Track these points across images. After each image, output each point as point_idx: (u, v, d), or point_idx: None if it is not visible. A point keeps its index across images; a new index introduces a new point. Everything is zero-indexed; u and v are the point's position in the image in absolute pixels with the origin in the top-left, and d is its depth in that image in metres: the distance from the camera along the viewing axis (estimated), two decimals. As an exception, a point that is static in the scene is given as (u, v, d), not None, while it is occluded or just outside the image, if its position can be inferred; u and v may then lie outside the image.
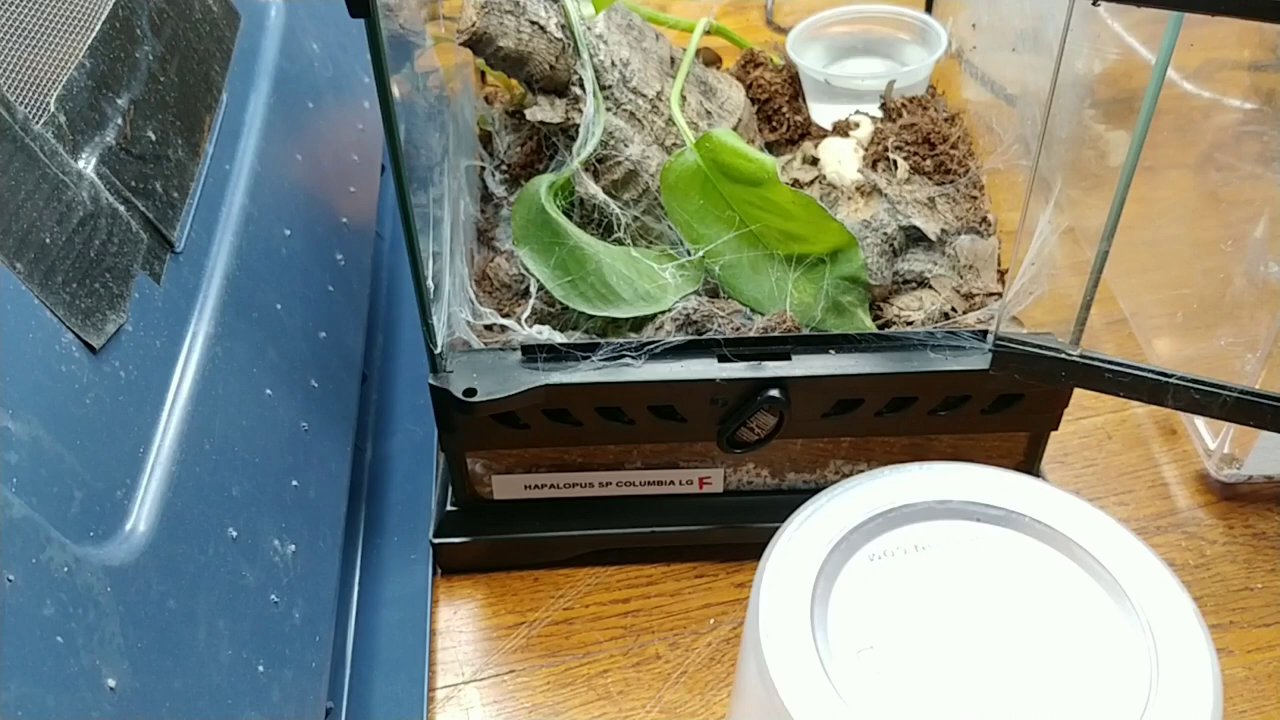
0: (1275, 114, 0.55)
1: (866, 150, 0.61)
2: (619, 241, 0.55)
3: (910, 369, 0.51)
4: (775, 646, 0.36)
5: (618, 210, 0.55)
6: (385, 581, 0.56)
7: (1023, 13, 0.59)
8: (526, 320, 0.53)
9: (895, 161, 0.60)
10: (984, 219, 0.58)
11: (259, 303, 0.49)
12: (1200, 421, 0.62)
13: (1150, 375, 0.47)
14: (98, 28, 0.43)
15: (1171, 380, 0.47)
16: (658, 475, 0.56)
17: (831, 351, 0.51)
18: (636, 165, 0.56)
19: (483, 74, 0.66)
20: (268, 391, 0.48)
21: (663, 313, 0.53)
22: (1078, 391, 0.51)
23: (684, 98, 0.58)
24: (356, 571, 0.56)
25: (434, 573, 0.57)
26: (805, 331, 0.52)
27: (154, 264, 0.42)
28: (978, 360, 0.50)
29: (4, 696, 0.28)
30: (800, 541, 0.39)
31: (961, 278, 0.56)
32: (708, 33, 0.65)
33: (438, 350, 0.50)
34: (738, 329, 0.53)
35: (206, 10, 0.53)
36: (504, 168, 0.60)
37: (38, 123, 0.38)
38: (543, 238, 0.53)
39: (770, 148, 0.66)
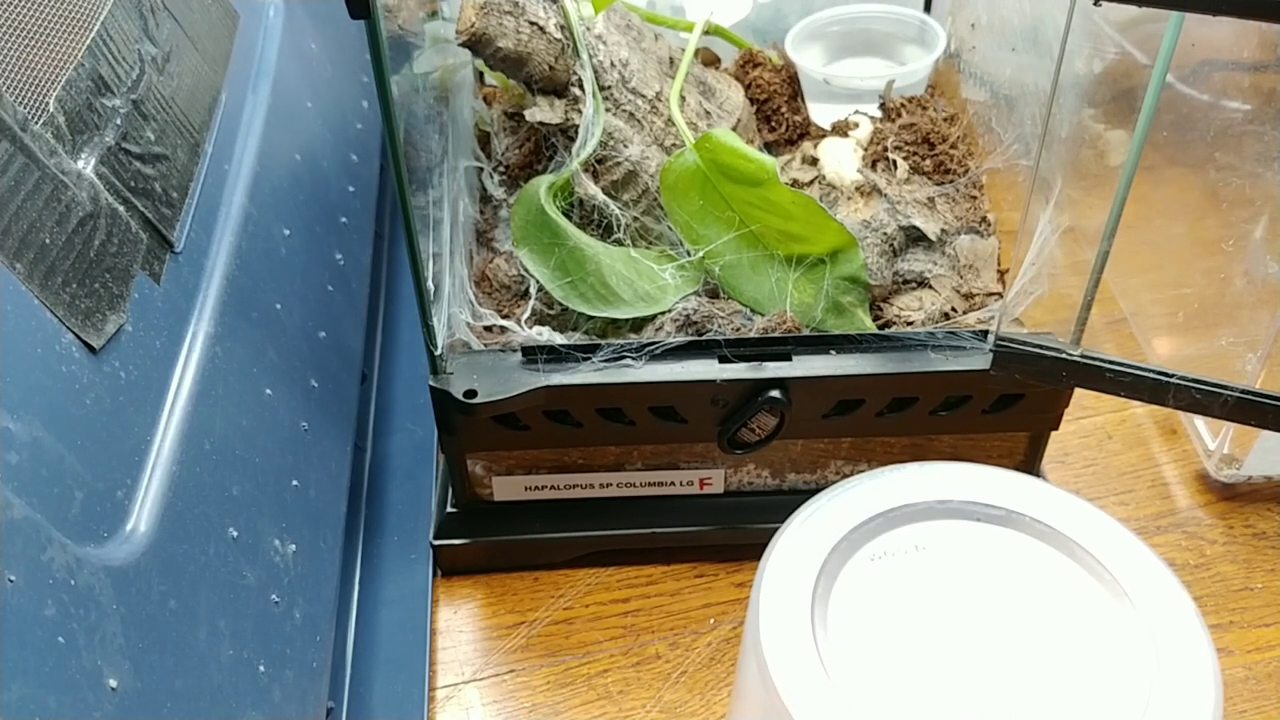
0: (1275, 114, 0.55)
1: (866, 150, 0.61)
2: (619, 242, 0.55)
3: (911, 369, 0.51)
4: (775, 646, 0.36)
5: (617, 211, 0.55)
6: (385, 581, 0.56)
7: (1022, 12, 0.59)
8: (526, 321, 0.53)
9: (895, 161, 0.60)
10: (984, 219, 0.58)
11: (259, 303, 0.49)
12: (1200, 421, 0.62)
13: (1151, 375, 0.47)
14: (97, 28, 0.43)
15: (1172, 380, 0.47)
16: (658, 476, 0.56)
17: (832, 352, 0.51)
18: (636, 166, 0.56)
19: (481, 75, 0.66)
20: (268, 391, 0.48)
21: (663, 313, 0.53)
22: (1078, 391, 0.51)
23: (683, 98, 0.58)
24: (357, 571, 0.55)
25: (434, 573, 0.57)
26: (805, 332, 0.52)
27: (154, 264, 0.42)
28: (978, 360, 0.50)
29: (5, 697, 0.28)
30: (800, 541, 0.39)
31: (961, 278, 0.56)
32: (707, 33, 0.65)
33: (438, 352, 0.50)
34: (738, 329, 0.53)
35: (205, 10, 0.53)
36: (503, 169, 0.60)
37: (37, 123, 0.38)
38: (542, 238, 0.53)
39: (769, 148, 0.66)
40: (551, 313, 0.54)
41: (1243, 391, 0.46)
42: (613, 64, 0.56)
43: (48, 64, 0.40)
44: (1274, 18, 0.36)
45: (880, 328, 0.54)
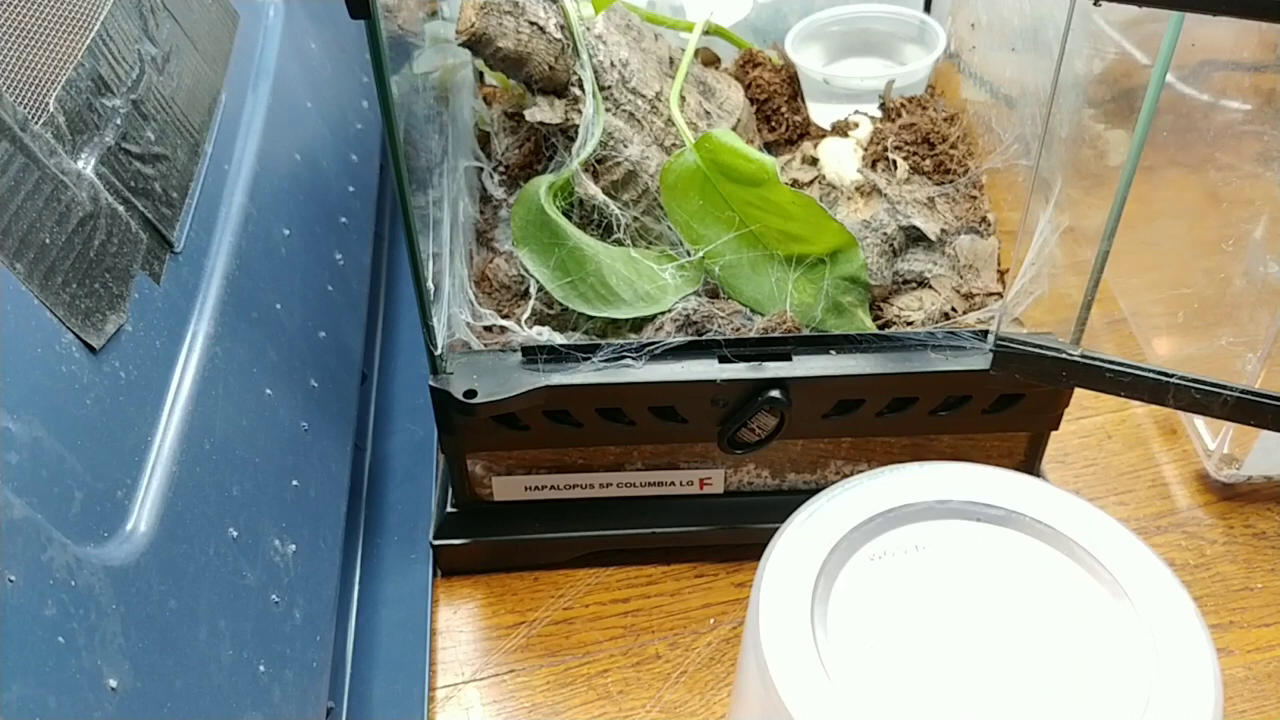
0: (1275, 114, 0.55)
1: (866, 150, 0.61)
2: (619, 242, 0.55)
3: (911, 369, 0.51)
4: (775, 646, 0.36)
5: (617, 211, 0.55)
6: (385, 581, 0.56)
7: (1022, 12, 0.59)
8: (526, 321, 0.53)
9: (895, 161, 0.60)
10: (984, 219, 0.58)
11: (259, 303, 0.49)
12: (1200, 421, 0.62)
13: (1151, 375, 0.47)
14: (97, 28, 0.43)
15: (1172, 380, 0.47)
16: (658, 476, 0.56)
17: (832, 352, 0.51)
18: (636, 166, 0.56)
19: (481, 75, 0.66)
20: (268, 391, 0.48)
21: (663, 313, 0.53)
22: (1078, 391, 0.51)
23: (683, 98, 0.58)
24: (356, 571, 0.55)
25: (434, 573, 0.57)
26: (805, 332, 0.52)
27: (154, 264, 0.42)
28: (978, 360, 0.50)
29: (5, 697, 0.28)
30: (800, 541, 0.39)
31: (961, 278, 0.56)
32: (707, 33, 0.65)
33: (438, 352, 0.50)
34: (738, 329, 0.53)
35: (205, 10, 0.53)
36: (502, 169, 0.60)
37: (37, 123, 0.38)
38: (542, 238, 0.53)
39: (769, 148, 0.66)
40: (551, 313, 0.54)
41: (1243, 391, 0.46)
42: (613, 64, 0.56)
43: (48, 64, 0.40)
44: (1274, 18, 0.36)
45: (880, 328, 0.54)
